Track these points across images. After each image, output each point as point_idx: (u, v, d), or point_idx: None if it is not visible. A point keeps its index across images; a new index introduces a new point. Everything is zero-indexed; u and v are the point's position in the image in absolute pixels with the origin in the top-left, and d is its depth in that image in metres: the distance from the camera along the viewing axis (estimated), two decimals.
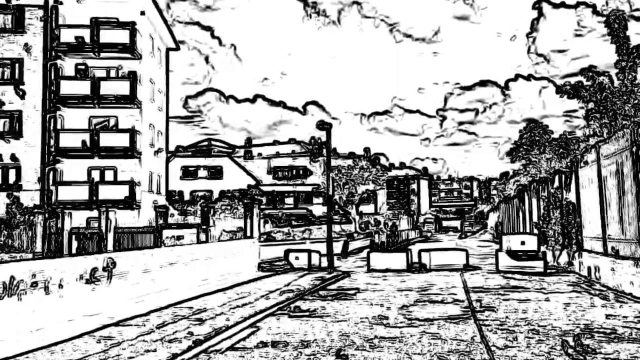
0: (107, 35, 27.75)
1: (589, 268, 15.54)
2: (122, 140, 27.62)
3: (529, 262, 17.77)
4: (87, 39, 27.61)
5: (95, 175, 28.57)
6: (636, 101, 19.15)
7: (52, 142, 27.50)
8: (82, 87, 27.47)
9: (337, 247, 29.78)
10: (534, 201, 24.02)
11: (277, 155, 63.37)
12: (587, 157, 15.95)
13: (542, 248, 19.37)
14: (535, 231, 21.28)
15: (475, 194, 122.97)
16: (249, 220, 22.69)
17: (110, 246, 20.88)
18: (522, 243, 18.44)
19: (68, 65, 28.58)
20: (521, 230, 28.50)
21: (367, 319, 10.16)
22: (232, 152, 63.18)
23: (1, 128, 27.78)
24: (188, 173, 58.76)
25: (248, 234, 22.79)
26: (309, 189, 61.33)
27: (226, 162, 59.98)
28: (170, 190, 39.52)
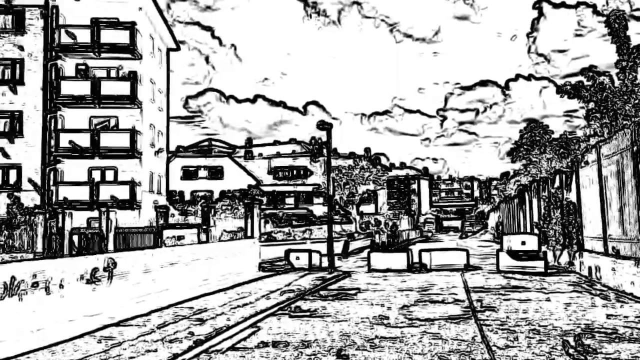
0: (108, 36, 27.77)
1: (589, 268, 15.53)
2: (123, 141, 27.63)
3: (529, 262, 17.76)
4: (88, 39, 27.63)
5: (96, 175, 28.59)
6: (637, 101, 19.14)
7: (52, 142, 27.51)
8: (83, 87, 27.49)
9: (338, 247, 29.78)
10: (535, 201, 24.01)
11: (278, 155, 63.39)
12: (588, 157, 15.94)
13: (543, 248, 19.36)
14: (536, 231, 21.27)
15: (476, 194, 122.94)
16: (249, 221, 22.69)
17: (110, 246, 20.88)
18: (523, 243, 18.44)
19: (68, 65, 28.60)
20: (522, 230, 28.49)
21: (367, 319, 10.16)
22: (233, 152, 63.20)
23: (2, 128, 27.80)
24: (188, 173, 58.79)
25: (249, 234, 22.78)
26: (310, 189, 61.33)
27: (227, 162, 60.00)
28: (170, 191, 39.54)
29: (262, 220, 35.54)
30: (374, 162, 64.50)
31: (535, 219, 23.22)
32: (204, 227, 25.90)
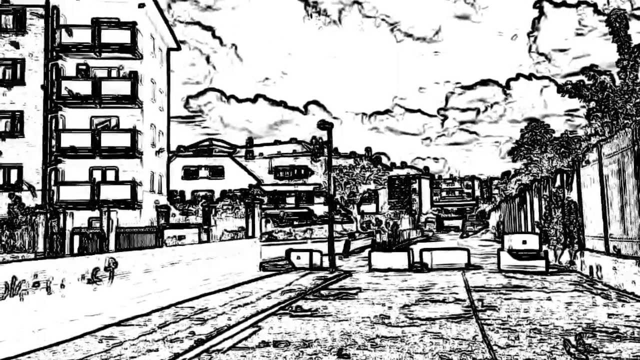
0: (108, 35, 27.77)
1: (590, 267, 15.52)
2: (124, 140, 27.64)
3: (530, 262, 17.75)
4: (88, 39, 27.64)
5: (97, 175, 28.60)
6: (638, 100, 19.12)
7: (53, 142, 27.54)
8: (84, 87, 27.50)
9: (339, 247, 29.79)
10: (536, 200, 24.00)
11: (279, 155, 63.40)
12: (589, 156, 15.93)
13: (544, 247, 19.35)
14: (537, 230, 21.26)
15: (477, 193, 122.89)
16: (250, 220, 22.69)
17: (111, 246, 20.90)
18: (524, 242, 18.43)
19: (69, 65, 28.61)
20: (523, 229, 28.47)
21: (368, 318, 10.16)
22: (234, 152, 63.21)
23: (2, 128, 27.82)
24: (189, 173, 58.81)
25: (249, 233, 22.79)
26: (311, 188, 61.34)
27: (227, 162, 60.02)
28: (171, 190, 39.56)
29: (263, 220, 35.56)
30: (374, 162, 64.50)
31: (536, 218, 23.21)
32: (205, 226, 25.92)
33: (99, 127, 28.74)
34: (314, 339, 8.44)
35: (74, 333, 8.86)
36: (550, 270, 17.54)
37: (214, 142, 66.68)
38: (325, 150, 21.57)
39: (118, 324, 9.89)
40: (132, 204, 27.36)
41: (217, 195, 54.30)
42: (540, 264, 17.52)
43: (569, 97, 21.46)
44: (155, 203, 31.94)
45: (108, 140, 27.51)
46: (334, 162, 46.06)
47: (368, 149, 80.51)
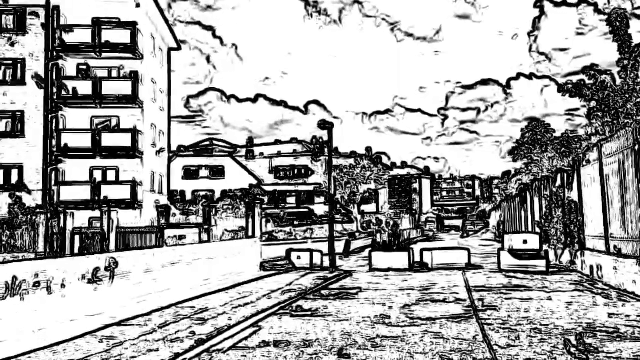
0: (109, 35, 27.78)
1: (591, 267, 15.51)
2: (124, 140, 27.66)
3: (531, 261, 17.74)
4: (89, 39, 27.65)
5: (98, 175, 28.62)
6: (638, 99, 19.10)
7: (54, 142, 27.55)
8: (84, 87, 27.52)
9: (339, 247, 29.79)
10: (536, 200, 23.99)
11: (279, 154, 63.41)
12: (589, 156, 15.92)
13: (545, 247, 19.34)
14: (538, 230, 21.25)
15: (477, 193, 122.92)
16: (250, 220, 22.69)
17: (112, 246, 20.90)
18: (524, 242, 18.42)
19: (70, 65, 28.63)
20: (523, 229, 28.46)
21: (369, 318, 10.16)
22: (234, 152, 63.23)
23: (3, 128, 27.84)
24: (190, 173, 58.84)
25: (250, 233, 22.79)
26: (311, 188, 61.34)
27: (228, 161, 60.04)
28: (172, 190, 39.56)
29: (264, 220, 35.55)
30: (375, 161, 64.50)
31: (537, 217, 23.20)
32: (205, 226, 25.92)
33: (99, 127, 28.76)
34: (315, 338, 8.44)
35: (74, 333, 8.86)
36: (550, 270, 17.54)
37: (215, 142, 66.71)
38: (326, 150, 21.58)
39: (118, 323, 9.89)
40: (133, 204, 27.37)
41: (217, 195, 54.32)
42: (541, 264, 17.51)
43: (569, 97, 21.46)
44: (155, 203, 31.95)
45: (108, 140, 27.53)
46: (335, 161, 46.06)
47: (368, 149, 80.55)
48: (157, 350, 7.85)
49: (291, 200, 60.91)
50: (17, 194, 26.07)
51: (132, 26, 27.99)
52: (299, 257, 20.89)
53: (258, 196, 46.34)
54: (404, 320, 9.88)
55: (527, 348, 7.51)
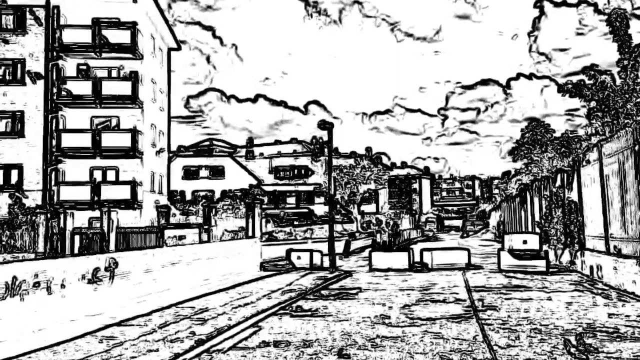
0: (109, 35, 27.79)
1: (591, 267, 15.52)
2: (124, 141, 27.65)
3: (531, 261, 17.74)
4: (89, 39, 27.65)
5: (98, 175, 28.62)
6: (638, 100, 19.11)
7: (54, 142, 27.55)
8: (84, 87, 27.52)
9: (339, 247, 29.79)
10: (536, 200, 23.99)
11: (279, 154, 63.41)
12: (589, 156, 15.92)
13: (544, 247, 19.34)
14: (538, 230, 21.25)
15: (477, 193, 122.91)
16: (250, 220, 22.69)
17: (112, 246, 20.89)
18: (524, 242, 18.42)
19: (70, 65, 28.63)
20: (523, 229, 28.46)
21: (369, 318, 10.16)
22: (234, 152, 63.23)
23: (3, 128, 27.84)
24: (190, 173, 58.84)
25: (250, 233, 22.78)
26: (311, 188, 61.34)
27: (228, 162, 60.04)
28: (172, 190, 39.57)
29: (264, 220, 35.56)
30: (375, 162, 64.49)
31: (537, 218, 23.20)
32: (205, 226, 25.91)
33: (99, 127, 28.75)
34: (315, 339, 8.44)
35: (74, 333, 8.86)
36: (550, 270, 17.54)
37: (215, 142, 66.71)
38: (326, 150, 21.58)
39: (118, 324, 9.89)
40: (133, 204, 27.37)
41: (217, 195, 54.33)
42: (541, 264, 17.51)
43: (569, 97, 21.46)
44: (155, 203, 31.95)
45: (108, 140, 27.52)
46: (334, 162, 46.07)
47: (368, 149, 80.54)
48: (157, 350, 7.85)
49: (291, 200, 60.92)
50: (17, 194, 26.06)
51: (132, 26, 27.99)
52: (299, 257, 20.89)
53: (258, 196, 46.35)
54: (403, 320, 9.88)
55: (527, 348, 7.51)
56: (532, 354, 7.20)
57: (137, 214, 28.29)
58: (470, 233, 68.92)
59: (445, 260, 19.68)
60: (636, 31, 20.48)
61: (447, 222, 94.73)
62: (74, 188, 26.98)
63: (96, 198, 26.77)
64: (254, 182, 59.23)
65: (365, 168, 54.21)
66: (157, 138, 33.04)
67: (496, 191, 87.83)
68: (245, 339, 8.59)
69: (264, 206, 41.09)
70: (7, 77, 27.94)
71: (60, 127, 27.99)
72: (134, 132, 27.85)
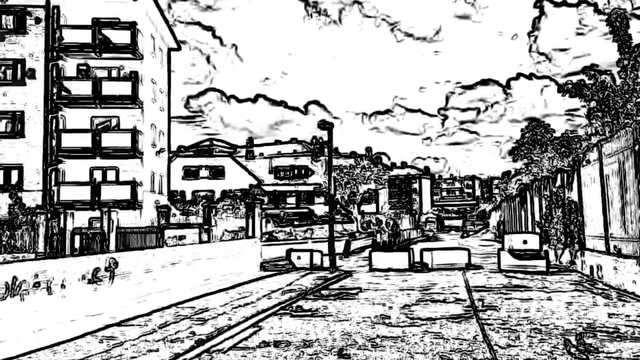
0: (109, 35, 27.79)
1: (591, 267, 15.52)
2: (124, 141, 27.65)
3: (531, 261, 17.74)
4: (89, 39, 27.65)
5: (98, 175, 28.62)
6: (638, 100, 19.11)
7: (54, 142, 27.55)
8: (84, 88, 27.52)
9: (339, 247, 29.79)
10: (536, 200, 23.99)
11: (279, 154, 63.42)
12: (589, 156, 15.92)
13: (544, 247, 19.34)
14: (538, 230, 21.25)
15: (477, 193, 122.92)
16: (250, 220, 22.68)
17: (112, 246, 20.89)
18: (524, 242, 18.42)
19: (70, 65, 28.63)
20: (523, 229, 28.46)
21: (369, 318, 10.16)
22: (234, 152, 63.23)
23: (3, 128, 27.84)
24: (190, 173, 58.84)
25: (250, 233, 22.78)
26: (311, 188, 61.35)
27: (228, 162, 60.04)
28: (172, 190, 39.57)
29: (264, 220, 35.55)
30: (375, 162, 64.49)
31: (537, 218, 23.20)
32: (206, 226, 25.90)
33: (99, 127, 28.76)
34: (315, 339, 8.44)
35: (74, 333, 8.86)
36: (550, 270, 17.54)
37: (215, 142, 66.72)
38: (326, 150, 21.58)
39: (119, 324, 9.89)
40: (133, 204, 27.37)
41: (217, 195, 54.34)
42: (541, 264, 17.51)
43: (569, 97, 21.46)
44: (155, 203, 31.95)
45: (108, 140, 27.53)
46: (335, 162, 46.06)
47: (368, 149, 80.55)
48: (157, 350, 7.85)
49: (291, 200, 60.92)
50: (17, 194, 26.06)
51: (132, 26, 28.00)
52: (299, 257, 20.89)
53: (258, 196, 46.35)
54: (404, 320, 9.88)
55: (527, 348, 7.51)
56: (532, 354, 7.20)
57: (137, 214, 28.29)
58: (471, 233, 68.92)
59: (446, 260, 19.68)
60: (636, 31, 20.48)
61: (447, 222, 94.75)
62: (74, 188, 26.99)
63: (96, 198, 26.78)
64: (254, 182, 59.23)
65: (365, 168, 54.21)
66: (157, 138, 33.04)
67: (496, 191, 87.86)
68: (246, 339, 8.59)
69: (264, 206, 41.08)
70: (7, 77, 27.94)
71: (60, 127, 28.00)
72: (134, 132, 27.86)
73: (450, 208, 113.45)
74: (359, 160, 57.46)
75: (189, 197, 54.91)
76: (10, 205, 23.89)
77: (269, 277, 18.12)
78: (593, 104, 20.47)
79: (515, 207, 33.97)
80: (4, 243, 20.50)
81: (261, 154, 63.51)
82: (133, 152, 27.78)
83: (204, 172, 59.04)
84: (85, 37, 27.62)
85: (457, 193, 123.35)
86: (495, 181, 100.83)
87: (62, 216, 21.49)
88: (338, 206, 51.29)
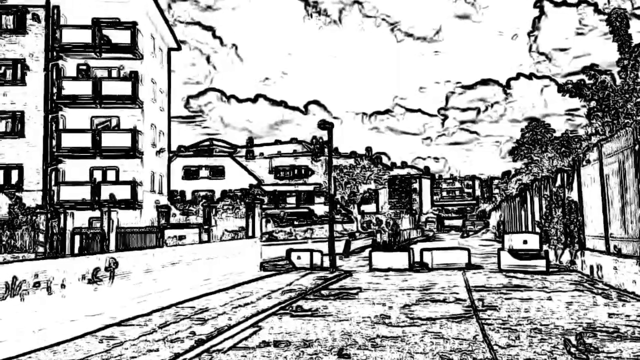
0: (109, 35, 27.79)
1: (591, 267, 15.52)
2: (124, 141, 27.66)
3: (531, 261, 17.74)
4: (89, 39, 27.65)
5: (98, 175, 28.62)
6: (638, 99, 19.11)
7: (54, 142, 27.55)
8: (84, 87, 27.52)
9: (339, 247, 29.78)
10: (536, 200, 23.99)
11: (279, 154, 63.42)
12: (589, 156, 15.92)
13: (544, 247, 19.34)
14: (538, 230, 21.25)
15: (477, 193, 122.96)
16: (250, 220, 22.68)
17: (112, 246, 20.90)
18: (524, 242, 18.42)
19: (70, 65, 28.63)
20: (523, 229, 28.46)
21: (369, 318, 10.16)
22: (234, 152, 63.23)
23: (3, 128, 27.84)
24: (190, 173, 58.84)
25: (250, 233, 22.78)
26: (311, 188, 61.35)
27: (228, 162, 60.05)
28: (172, 190, 39.57)
29: (264, 220, 35.55)
30: (375, 162, 64.50)
31: (537, 217, 23.20)
32: (206, 226, 25.90)
33: (99, 127, 28.76)
34: (315, 338, 8.44)
35: (74, 333, 8.86)
36: (550, 269, 17.54)
37: (215, 142, 66.72)
38: (326, 150, 21.58)
39: (119, 324, 9.89)
40: (133, 204, 27.37)
41: (217, 195, 54.33)
42: (541, 264, 17.51)
43: (569, 97, 21.46)
44: (155, 203, 31.95)
45: (108, 140, 27.53)
46: (335, 161, 46.05)
47: (368, 149, 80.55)
48: (157, 350, 7.85)
49: (291, 200, 60.93)
50: (17, 194, 26.06)
51: (132, 26, 28.00)
52: (299, 257, 20.89)
53: (258, 196, 46.35)
54: (404, 320, 9.88)
55: (527, 348, 7.51)
56: (532, 353, 7.20)
57: (137, 214, 28.29)
58: (471, 233, 68.92)
59: (446, 260, 19.68)
60: (636, 31, 20.47)
61: (447, 222, 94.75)
62: (74, 188, 26.99)
63: (96, 198, 26.78)
64: (254, 182, 59.23)
65: (365, 168, 54.21)
66: (157, 138, 33.04)
67: (496, 191, 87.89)
68: (246, 338, 8.59)
69: (264, 206, 41.09)
70: (7, 77, 27.94)
71: (60, 127, 28.00)
72: (134, 132, 27.86)
73: (450, 208, 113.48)
74: (359, 160, 57.47)
75: (189, 197, 54.92)
76: (10, 205, 23.89)
77: (268, 277, 18.12)
78: (593, 103, 20.47)
79: (515, 207, 33.97)
80: (4, 243, 20.51)
81: (261, 154, 63.51)
82: (133, 152, 27.78)
83: (204, 172, 59.05)
84: (85, 37, 27.62)
85: (457, 193, 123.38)
86: (495, 181, 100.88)
87: (62, 216, 21.50)
88: (338, 206, 51.29)
